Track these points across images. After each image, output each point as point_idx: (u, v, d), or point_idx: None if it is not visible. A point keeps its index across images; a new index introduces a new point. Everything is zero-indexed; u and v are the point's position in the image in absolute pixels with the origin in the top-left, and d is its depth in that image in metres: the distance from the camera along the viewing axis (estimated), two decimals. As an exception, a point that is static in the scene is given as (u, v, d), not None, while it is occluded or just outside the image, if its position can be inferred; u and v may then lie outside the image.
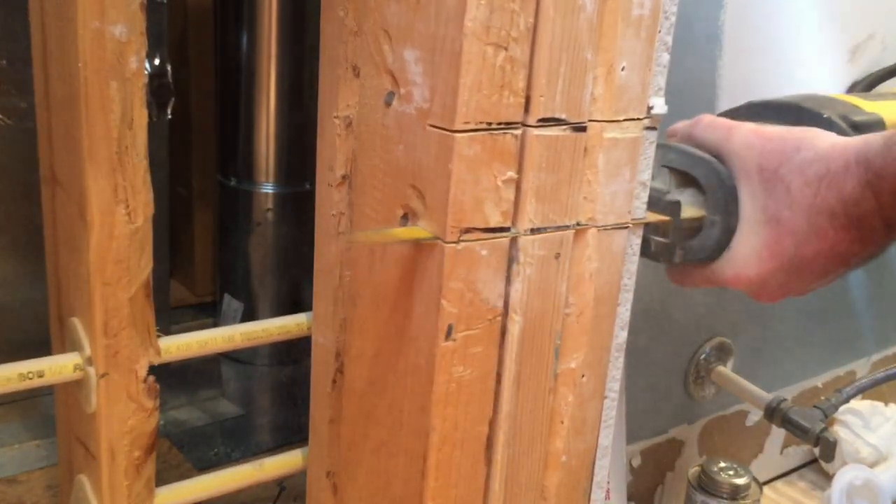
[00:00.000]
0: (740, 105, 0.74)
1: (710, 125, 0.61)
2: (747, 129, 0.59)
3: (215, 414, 1.12)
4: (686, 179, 0.61)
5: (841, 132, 0.65)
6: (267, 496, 0.95)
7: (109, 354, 0.60)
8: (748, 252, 0.58)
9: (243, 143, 1.07)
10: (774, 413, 0.86)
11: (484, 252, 0.50)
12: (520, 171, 0.50)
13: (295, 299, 1.13)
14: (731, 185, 0.59)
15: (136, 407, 0.62)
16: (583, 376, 0.57)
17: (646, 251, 0.61)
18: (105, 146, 0.56)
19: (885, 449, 1.08)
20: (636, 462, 0.94)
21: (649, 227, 0.60)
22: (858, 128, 0.68)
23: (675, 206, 0.59)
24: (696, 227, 0.61)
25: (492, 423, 0.54)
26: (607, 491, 0.66)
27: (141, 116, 0.57)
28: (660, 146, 0.62)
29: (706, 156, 0.60)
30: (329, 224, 0.61)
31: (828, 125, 0.66)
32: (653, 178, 0.61)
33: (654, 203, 0.59)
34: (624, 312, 0.60)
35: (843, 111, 0.69)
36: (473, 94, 0.47)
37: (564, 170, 0.51)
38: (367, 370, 0.58)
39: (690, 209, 0.61)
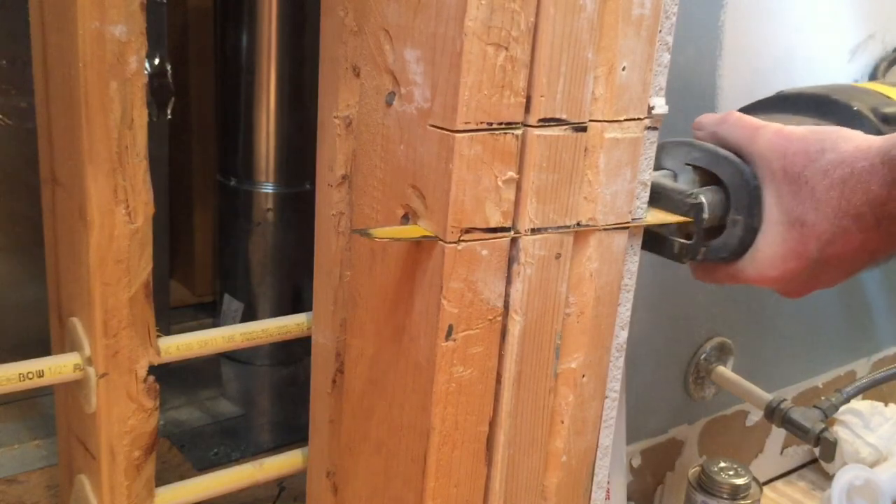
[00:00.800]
0: (770, 96, 0.72)
1: (737, 124, 0.61)
2: (772, 130, 0.59)
3: (215, 414, 1.12)
4: (710, 178, 0.61)
5: (870, 125, 0.65)
6: (267, 496, 0.95)
7: (109, 354, 0.60)
8: (772, 253, 0.58)
9: (243, 143, 1.07)
10: (774, 413, 0.86)
11: (484, 252, 0.50)
12: (520, 171, 0.50)
13: (295, 299, 1.13)
14: (755, 184, 0.59)
15: (136, 407, 0.62)
16: (583, 376, 0.57)
17: (669, 252, 0.60)
18: (105, 146, 0.56)
19: (885, 449, 1.08)
20: (636, 462, 0.94)
21: (672, 228, 0.59)
22: (889, 120, 0.67)
23: (698, 207, 0.59)
24: (719, 225, 0.61)
25: (492, 423, 0.54)
26: (607, 491, 0.66)
27: (141, 116, 0.57)
28: (684, 144, 0.62)
29: (730, 155, 0.60)
30: (329, 224, 0.61)
31: (857, 117, 0.66)
32: (676, 176, 0.61)
33: (678, 204, 0.59)
34: (624, 312, 0.60)
35: (873, 103, 0.68)
36: (474, 94, 0.47)
37: (565, 170, 0.51)
38: (367, 370, 0.58)
39: (714, 208, 0.60)
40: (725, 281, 0.63)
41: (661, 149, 0.62)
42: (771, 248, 0.58)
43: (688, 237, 0.60)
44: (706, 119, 0.63)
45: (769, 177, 0.58)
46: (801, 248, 0.57)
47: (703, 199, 0.60)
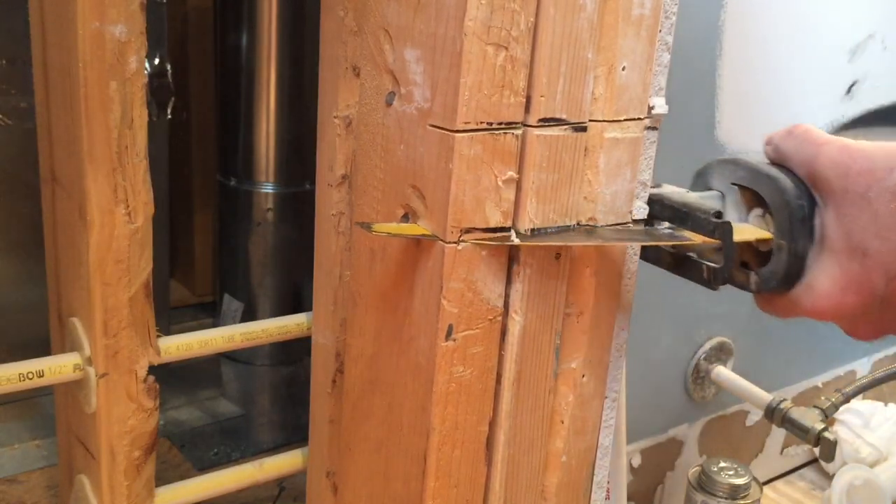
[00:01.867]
0: (881, 107, 0.65)
1: (800, 138, 0.54)
2: (837, 146, 0.52)
3: (215, 414, 1.12)
4: (758, 198, 0.55)
5: None
6: (267, 496, 0.95)
7: (109, 354, 0.60)
8: (828, 283, 0.52)
9: (243, 143, 1.07)
10: (774, 413, 0.86)
11: (484, 252, 0.50)
12: (520, 170, 0.50)
13: (295, 299, 1.13)
14: (799, 204, 0.52)
15: (136, 407, 0.62)
16: (583, 376, 0.57)
17: (697, 276, 0.55)
18: (105, 146, 0.56)
19: (885, 449, 1.08)
20: (636, 462, 0.94)
21: (702, 251, 0.54)
22: None
23: (724, 228, 0.52)
24: (766, 251, 0.55)
25: (492, 423, 0.54)
26: (607, 491, 0.66)
27: (141, 116, 0.57)
28: (730, 162, 0.56)
29: (772, 171, 0.54)
30: (329, 224, 0.61)
31: None
32: (723, 197, 0.57)
33: (703, 224, 0.53)
34: (624, 312, 0.60)
35: None
36: (474, 94, 0.47)
37: (565, 170, 0.51)
38: (367, 370, 0.58)
39: (753, 231, 0.55)
40: (785, 313, 0.56)
41: (709, 168, 0.57)
42: (828, 278, 0.52)
43: (717, 262, 0.54)
44: (774, 133, 0.56)
45: (830, 197, 0.52)
46: (863, 281, 0.50)
47: (749, 219, 0.55)
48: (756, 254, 0.55)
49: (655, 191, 0.56)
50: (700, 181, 0.57)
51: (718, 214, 0.53)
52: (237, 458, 1.03)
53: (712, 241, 0.53)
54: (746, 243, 0.55)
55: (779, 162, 0.55)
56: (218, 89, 1.11)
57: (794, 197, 0.53)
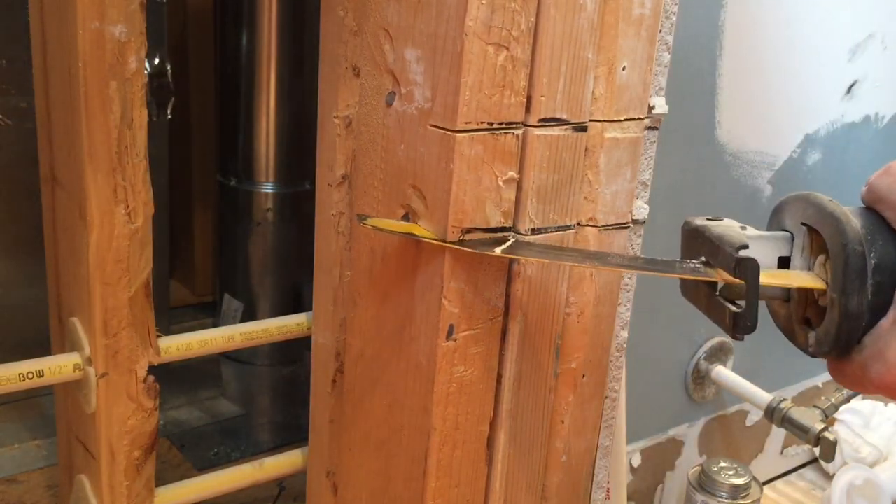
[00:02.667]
0: None
1: (893, 173, 0.45)
2: None
3: (215, 414, 1.12)
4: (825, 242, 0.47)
5: None
6: (267, 496, 0.95)
7: (109, 354, 0.60)
8: None
9: (243, 143, 1.07)
10: (774, 413, 0.86)
11: (485, 252, 0.50)
12: (521, 170, 0.50)
13: (295, 299, 1.13)
14: (858, 251, 0.44)
15: (136, 407, 0.62)
16: (583, 376, 0.57)
17: (721, 321, 0.47)
18: (105, 146, 0.56)
19: (885, 449, 1.08)
20: (636, 462, 0.94)
21: (728, 293, 0.46)
22: None
23: (746, 265, 0.44)
24: (823, 305, 0.47)
25: (492, 423, 0.54)
26: (607, 491, 0.66)
27: (141, 116, 0.57)
28: (801, 197, 0.48)
29: (839, 210, 0.45)
30: (329, 224, 0.61)
31: None
32: (793, 239, 0.49)
33: (727, 260, 0.45)
34: (624, 312, 0.60)
35: None
36: (475, 94, 0.47)
37: (565, 170, 0.51)
38: (367, 370, 0.58)
39: (799, 277, 0.47)
40: (856, 385, 0.46)
41: (784, 204, 0.50)
42: None
43: (738, 305, 0.47)
44: (874, 175, 0.47)
45: None
46: None
47: (812, 265, 0.47)
48: (819, 310, 0.47)
49: (702, 222, 0.49)
50: (775, 219, 0.50)
51: (743, 248, 0.45)
52: (237, 458, 1.03)
53: (733, 279, 0.45)
54: (809, 297, 0.48)
55: (872, 205, 0.46)
56: (218, 89, 1.11)
57: (854, 243, 0.44)
